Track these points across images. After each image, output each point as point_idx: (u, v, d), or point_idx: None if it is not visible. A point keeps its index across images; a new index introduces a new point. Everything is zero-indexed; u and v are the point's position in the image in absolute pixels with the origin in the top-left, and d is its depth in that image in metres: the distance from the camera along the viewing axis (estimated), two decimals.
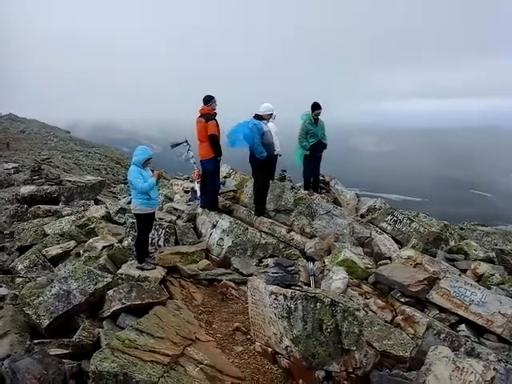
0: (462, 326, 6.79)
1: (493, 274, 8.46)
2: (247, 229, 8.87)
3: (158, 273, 7.25)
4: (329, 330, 4.87)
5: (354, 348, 4.85)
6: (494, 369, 4.78)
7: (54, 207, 12.19)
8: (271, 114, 9.26)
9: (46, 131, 41.86)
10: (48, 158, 24.61)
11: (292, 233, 9.01)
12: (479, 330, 6.85)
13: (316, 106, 10.32)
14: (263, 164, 8.91)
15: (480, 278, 8.42)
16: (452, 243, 10.47)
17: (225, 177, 11.17)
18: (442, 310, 7.09)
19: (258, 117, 8.93)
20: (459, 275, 7.93)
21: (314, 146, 10.25)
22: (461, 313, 6.92)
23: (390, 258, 8.64)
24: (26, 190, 13.00)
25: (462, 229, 18.07)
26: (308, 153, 10.31)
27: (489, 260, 9.67)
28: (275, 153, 9.63)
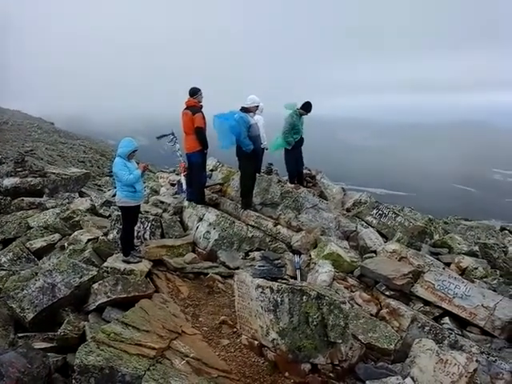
0: (446, 319, 6.90)
1: (476, 268, 8.59)
2: (234, 222, 8.85)
3: (144, 266, 7.21)
4: (315, 323, 4.90)
5: (340, 341, 4.89)
6: (477, 361, 4.87)
7: (38, 200, 12.02)
8: (257, 106, 9.21)
9: (30, 122, 41.12)
10: (32, 150, 24.20)
11: (278, 226, 9.02)
12: (462, 323, 6.97)
13: (307, 108, 10.20)
14: (250, 157, 8.89)
15: (463, 272, 8.53)
16: (436, 237, 10.59)
17: (211, 170, 11.11)
18: (426, 303, 7.19)
19: (244, 109, 8.88)
20: (443, 269, 8.02)
21: (297, 141, 10.19)
22: (445, 306, 7.03)
23: (375, 252, 8.71)
24: (9, 182, 12.79)
25: (446, 223, 18.28)
26: (289, 147, 10.21)
27: (472, 254, 9.82)
28: (261, 146, 9.58)
